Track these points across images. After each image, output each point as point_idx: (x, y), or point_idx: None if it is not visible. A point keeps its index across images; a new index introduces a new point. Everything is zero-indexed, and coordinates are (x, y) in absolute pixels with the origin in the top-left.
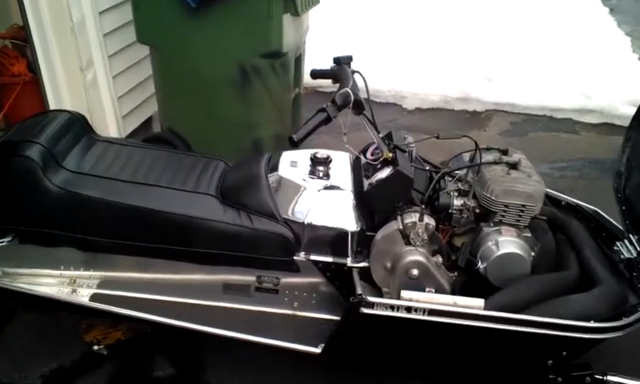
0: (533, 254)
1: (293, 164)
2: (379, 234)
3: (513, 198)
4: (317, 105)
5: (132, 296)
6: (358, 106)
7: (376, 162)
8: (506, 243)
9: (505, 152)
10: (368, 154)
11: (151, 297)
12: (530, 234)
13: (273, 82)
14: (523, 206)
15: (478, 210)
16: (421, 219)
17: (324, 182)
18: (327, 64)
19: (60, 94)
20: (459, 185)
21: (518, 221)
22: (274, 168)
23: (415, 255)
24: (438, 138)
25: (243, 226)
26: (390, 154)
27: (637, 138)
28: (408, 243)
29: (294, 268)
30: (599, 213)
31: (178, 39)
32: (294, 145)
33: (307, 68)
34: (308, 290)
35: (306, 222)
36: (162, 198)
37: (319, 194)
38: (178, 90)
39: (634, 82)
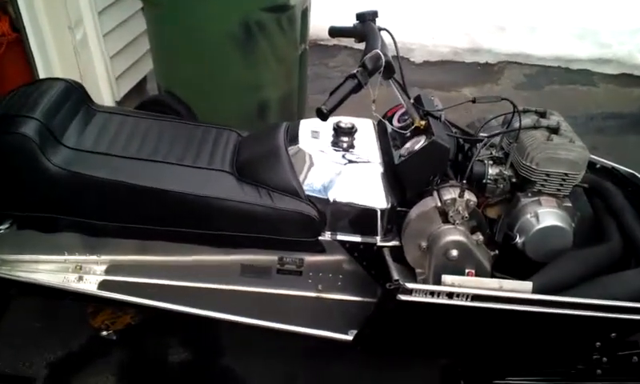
0: (573, 224)
1: (314, 134)
2: (413, 212)
3: (555, 166)
4: (319, 60)
5: (144, 282)
6: (389, 70)
7: (405, 131)
8: (547, 215)
9: (543, 114)
10: (394, 121)
11: (164, 282)
12: (570, 204)
13: (279, 38)
14: (566, 174)
15: (514, 179)
16: (461, 195)
17: (349, 154)
18: (331, 18)
19: (48, 56)
20: (493, 151)
21: (558, 190)
22: (294, 139)
23: (455, 234)
24: (474, 101)
25: (263, 205)
26: (423, 122)
27: None
28: (446, 221)
29: (318, 248)
30: (637, 176)
31: None
32: (324, 117)
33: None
34: (333, 271)
35: (331, 199)
36: (173, 177)
37: (345, 167)
38: (175, 49)
39: None
